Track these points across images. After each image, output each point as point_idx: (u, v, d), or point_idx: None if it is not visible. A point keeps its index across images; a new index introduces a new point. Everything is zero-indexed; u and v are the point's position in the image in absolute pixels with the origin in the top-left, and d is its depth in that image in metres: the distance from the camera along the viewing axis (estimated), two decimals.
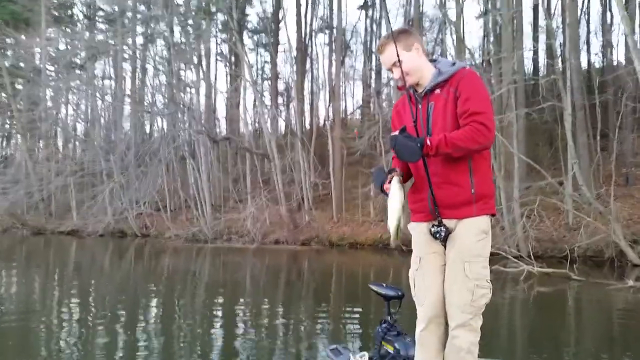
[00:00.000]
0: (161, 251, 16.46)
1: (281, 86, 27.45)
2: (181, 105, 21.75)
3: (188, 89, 25.75)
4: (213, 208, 20.98)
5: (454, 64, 2.35)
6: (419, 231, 2.40)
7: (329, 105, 23.88)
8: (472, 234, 2.26)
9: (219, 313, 7.32)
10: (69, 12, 30.74)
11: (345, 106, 27.52)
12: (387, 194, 2.28)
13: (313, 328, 6.30)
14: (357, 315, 6.76)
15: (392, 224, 2.24)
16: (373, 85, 25.98)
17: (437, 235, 2.29)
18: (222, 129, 26.79)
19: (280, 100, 27.47)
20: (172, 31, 23.57)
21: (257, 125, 26.16)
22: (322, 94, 25.70)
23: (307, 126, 25.51)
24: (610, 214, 11.19)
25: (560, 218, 13.34)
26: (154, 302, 8.31)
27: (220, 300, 8.38)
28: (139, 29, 26.47)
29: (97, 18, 30.51)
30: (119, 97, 26.99)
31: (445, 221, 2.28)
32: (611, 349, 5.40)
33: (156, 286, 9.91)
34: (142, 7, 24.91)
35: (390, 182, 2.27)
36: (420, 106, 2.35)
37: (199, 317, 6.97)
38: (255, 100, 23.74)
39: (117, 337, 5.78)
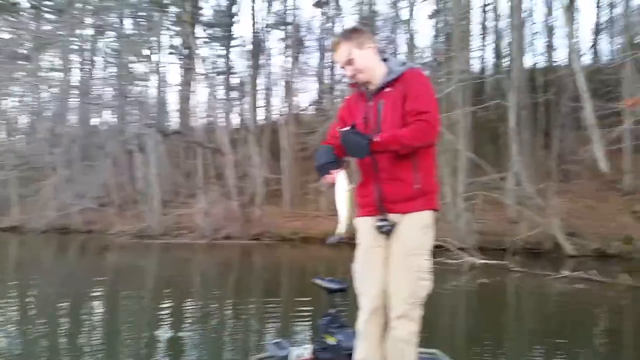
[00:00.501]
0: (107, 247, 15.99)
1: (235, 80, 27.14)
2: (130, 98, 21.07)
3: (138, 82, 25.04)
4: (162, 203, 20.52)
5: (404, 63, 2.43)
6: (365, 225, 2.45)
7: (283, 101, 23.82)
8: (416, 228, 2.34)
9: (166, 309, 7.21)
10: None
11: (299, 102, 27.50)
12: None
13: (262, 322, 6.34)
14: (306, 309, 6.81)
15: (343, 218, 2.29)
16: (327, 81, 26.04)
17: (383, 229, 2.35)
18: (173, 123, 26.24)
19: (233, 94, 27.15)
20: (122, 23, 22.86)
21: (209, 119, 25.75)
22: (276, 89, 25.58)
23: (261, 121, 25.33)
24: (549, 208, 11.78)
25: (502, 212, 13.88)
26: (98, 299, 8.07)
27: (168, 296, 8.25)
28: (89, 19, 25.47)
29: (44, 7, 29.06)
30: (66, 89, 25.88)
31: (390, 215, 2.34)
32: (547, 337, 5.68)
33: (101, 283, 9.63)
34: None
35: (335, 173, 2.30)
36: (371, 103, 2.41)
37: (145, 313, 6.86)
38: (208, 94, 23.37)
39: (58, 335, 5.62)
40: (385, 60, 2.46)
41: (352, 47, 2.32)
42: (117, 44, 24.10)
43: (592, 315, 6.75)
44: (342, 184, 2.28)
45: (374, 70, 2.40)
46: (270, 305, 7.44)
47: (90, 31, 25.96)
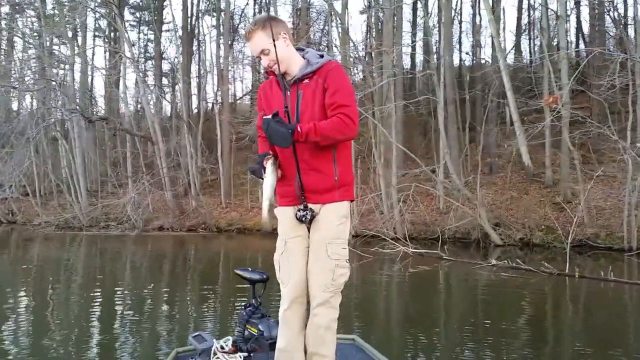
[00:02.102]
0: (30, 239, 15.20)
1: (166, 67, 26.33)
2: (53, 82, 19.90)
3: (61, 65, 23.72)
4: (89, 193, 19.68)
5: (321, 56, 2.42)
6: (285, 215, 2.46)
7: (217, 89, 23.39)
8: (334, 217, 2.38)
9: (95, 304, 6.96)
10: None
11: (235, 90, 27.15)
12: (261, 177, 2.33)
13: (192, 315, 6.25)
14: (241, 300, 6.77)
15: (264, 205, 2.31)
16: (262, 70, 25.80)
17: (303, 219, 2.37)
18: (100, 109, 25.12)
19: (165, 81, 26.34)
20: (43, 1, 21.50)
21: (139, 106, 24.86)
22: (210, 77, 25.07)
23: (194, 109, 24.76)
24: (477, 200, 12.34)
25: (432, 203, 14.39)
26: (22, 294, 7.71)
27: (97, 290, 7.95)
28: None
29: None
30: None
31: (310, 205, 2.37)
32: (475, 320, 6.06)
33: (24, 277, 9.14)
34: None
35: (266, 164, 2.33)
36: (289, 93, 2.40)
37: (73, 308, 6.59)
38: (136, 80, 22.52)
39: None
40: (300, 50, 2.47)
41: (267, 37, 2.27)
42: (37, 24, 22.71)
43: (517, 299, 7.17)
44: (268, 172, 2.30)
45: (291, 61, 2.38)
46: (203, 297, 7.34)
47: (6, 8, 24.35)
